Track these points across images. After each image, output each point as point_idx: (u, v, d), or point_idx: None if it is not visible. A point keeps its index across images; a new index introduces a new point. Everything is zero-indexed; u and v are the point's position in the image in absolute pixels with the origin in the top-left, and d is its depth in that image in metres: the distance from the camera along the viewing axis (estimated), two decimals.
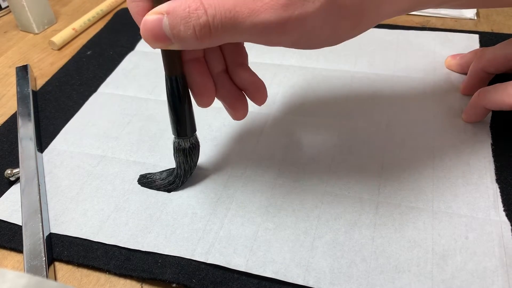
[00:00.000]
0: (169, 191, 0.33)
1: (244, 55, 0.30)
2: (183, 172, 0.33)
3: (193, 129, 0.31)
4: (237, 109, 0.31)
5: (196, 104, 0.30)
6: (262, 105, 0.38)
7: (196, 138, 0.32)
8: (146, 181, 0.34)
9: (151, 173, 0.34)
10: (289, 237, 0.29)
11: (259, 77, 0.30)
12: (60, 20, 0.57)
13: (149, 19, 0.24)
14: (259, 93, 0.31)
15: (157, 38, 0.24)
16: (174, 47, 0.24)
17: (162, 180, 0.33)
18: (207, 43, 0.24)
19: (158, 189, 0.33)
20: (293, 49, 0.46)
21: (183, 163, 0.32)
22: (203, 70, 0.29)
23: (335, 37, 0.26)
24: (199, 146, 0.32)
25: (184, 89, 0.29)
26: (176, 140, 0.31)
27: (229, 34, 0.23)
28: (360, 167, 0.33)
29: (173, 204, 0.32)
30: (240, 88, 0.31)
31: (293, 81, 0.42)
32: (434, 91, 0.39)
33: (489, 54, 0.35)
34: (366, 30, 0.26)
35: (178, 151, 0.32)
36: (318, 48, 0.26)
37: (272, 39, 0.24)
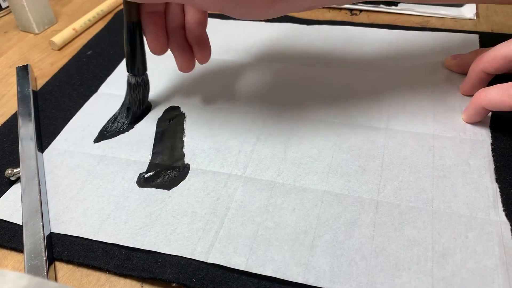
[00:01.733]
0: (121, 129, 0.38)
1: (201, 16, 0.35)
2: (131, 105, 0.38)
3: (144, 69, 0.37)
4: (182, 61, 0.36)
5: (150, 51, 0.36)
6: (262, 105, 0.39)
7: (147, 77, 0.38)
8: (104, 134, 0.38)
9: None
10: (289, 236, 0.29)
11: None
12: (61, 20, 0.57)
13: None
14: (202, 51, 0.36)
15: None
16: None
17: (113, 122, 0.39)
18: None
19: (114, 132, 0.38)
20: (291, 50, 0.46)
21: (133, 97, 0.38)
22: (159, 22, 0.34)
23: (253, 12, 0.31)
24: (149, 84, 0.39)
25: (139, 34, 0.35)
26: (129, 76, 0.37)
27: None
28: (360, 166, 0.33)
29: (172, 202, 0.32)
30: (190, 43, 0.36)
31: (293, 81, 0.42)
32: (434, 91, 0.39)
33: (489, 55, 0.35)
34: (281, 14, 0.31)
35: (130, 85, 0.38)
36: (250, 19, 0.34)
37: (220, 9, 0.30)
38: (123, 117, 0.39)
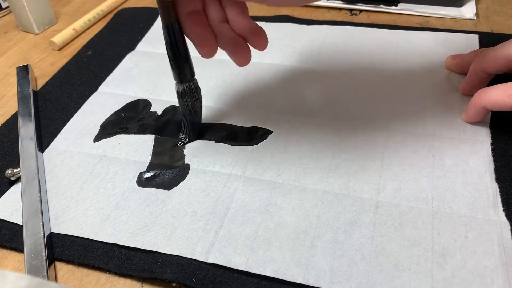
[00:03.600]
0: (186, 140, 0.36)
1: (242, 4, 0.32)
2: (184, 116, 0.36)
3: (192, 73, 0.34)
4: (239, 55, 0.33)
5: (200, 55, 0.32)
6: (262, 105, 0.39)
7: (196, 82, 0.35)
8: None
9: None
10: (289, 236, 0.29)
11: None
12: (61, 20, 0.57)
13: None
14: (259, 38, 0.32)
15: None
16: None
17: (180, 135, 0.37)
18: None
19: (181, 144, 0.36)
20: (292, 49, 0.46)
21: (189, 107, 0.35)
22: (202, 21, 0.31)
23: None
24: (199, 91, 0.35)
25: (180, 36, 0.32)
26: (178, 85, 0.34)
27: None
28: (360, 166, 0.33)
29: (172, 202, 0.32)
30: (240, 36, 0.32)
31: (293, 81, 0.42)
32: (434, 91, 0.39)
33: (489, 55, 0.35)
34: None
35: (178, 94, 0.35)
36: (286, 6, 0.29)
37: None
38: (184, 131, 0.37)
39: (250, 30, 0.32)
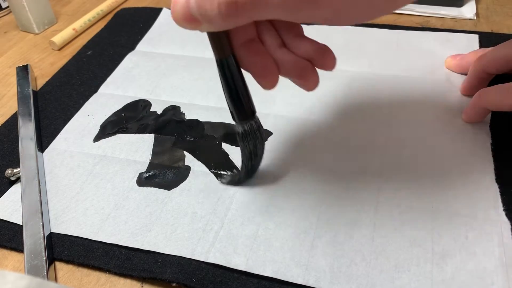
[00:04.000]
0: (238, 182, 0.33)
1: (297, 24, 0.29)
2: (242, 157, 0.32)
3: (253, 110, 0.30)
4: (307, 78, 0.29)
5: (262, 87, 0.29)
6: (262, 105, 0.38)
7: (258, 119, 0.30)
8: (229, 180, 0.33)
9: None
10: (289, 236, 0.29)
11: None
12: (61, 20, 0.57)
13: (178, 1, 0.24)
14: (327, 57, 0.29)
15: (186, 19, 0.24)
16: (205, 28, 0.24)
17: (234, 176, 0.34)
18: (234, 21, 0.23)
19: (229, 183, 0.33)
20: None
21: (250, 150, 0.31)
22: (260, 50, 0.28)
23: (371, 11, 0.24)
24: (261, 131, 0.31)
25: (236, 70, 0.28)
26: (239, 125, 0.30)
27: (257, 11, 0.22)
28: (360, 166, 0.33)
29: (172, 202, 0.32)
30: (304, 58, 0.29)
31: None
32: (434, 91, 0.39)
33: (489, 55, 0.35)
34: (404, 5, 0.24)
35: (238, 135, 0.30)
36: (350, 24, 0.25)
37: (303, 15, 0.23)
38: (238, 171, 0.34)
39: (314, 51, 0.29)
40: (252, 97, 0.30)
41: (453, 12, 0.50)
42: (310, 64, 0.29)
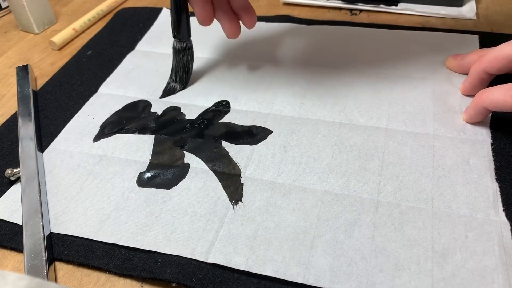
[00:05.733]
0: (169, 92, 0.42)
1: None
2: (177, 69, 0.42)
3: (189, 35, 0.41)
4: (230, 29, 0.39)
5: (198, 22, 0.38)
6: (262, 105, 0.39)
7: (191, 43, 0.41)
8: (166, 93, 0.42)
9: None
10: (289, 236, 0.29)
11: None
12: (60, 20, 0.57)
13: None
14: (248, 16, 0.39)
15: None
16: None
17: (166, 86, 0.43)
18: None
19: (168, 93, 0.42)
20: (292, 49, 0.46)
21: (183, 63, 0.41)
22: None
23: None
24: (192, 51, 0.42)
25: (184, 2, 0.38)
26: (174, 41, 0.41)
27: None
28: (360, 166, 0.33)
29: (172, 202, 0.32)
30: (235, 12, 0.39)
31: (293, 81, 0.42)
32: (434, 91, 0.39)
33: (491, 55, 0.35)
34: None
35: (174, 50, 0.41)
36: None
37: None
38: (173, 81, 0.43)
39: (242, 8, 0.38)
40: (190, 25, 0.40)
41: (453, 12, 0.50)
42: (236, 19, 0.39)
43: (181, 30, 0.40)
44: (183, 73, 0.42)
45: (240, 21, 0.39)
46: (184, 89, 0.42)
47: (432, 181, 0.32)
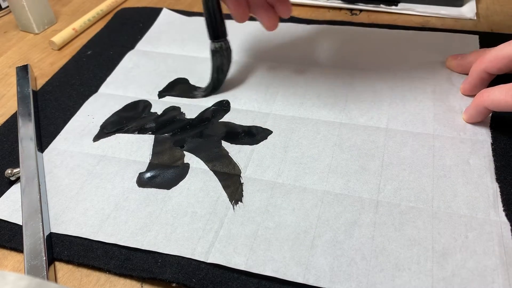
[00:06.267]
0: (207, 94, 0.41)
1: None
2: (217, 75, 0.40)
3: (224, 33, 0.39)
4: (268, 21, 0.38)
5: (234, 19, 0.38)
6: (262, 105, 0.38)
7: (228, 42, 0.39)
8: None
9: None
10: (289, 236, 0.29)
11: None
12: (60, 20, 0.57)
13: None
14: (284, 5, 0.38)
15: None
16: None
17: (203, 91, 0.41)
18: None
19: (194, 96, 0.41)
20: (292, 49, 0.46)
21: (217, 65, 0.40)
22: None
23: None
24: (230, 51, 0.40)
25: (216, 1, 0.37)
26: (212, 43, 0.39)
27: None
28: (360, 166, 0.33)
29: (172, 202, 0.32)
30: (269, 3, 0.38)
31: (293, 81, 0.42)
32: (434, 91, 0.39)
33: (491, 55, 0.35)
34: None
35: (211, 52, 0.39)
36: None
37: None
38: (208, 85, 0.41)
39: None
40: (226, 26, 0.38)
41: (453, 12, 0.50)
42: (272, 9, 0.38)
43: (216, 30, 0.38)
44: (216, 75, 0.40)
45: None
46: (215, 92, 0.41)
47: (432, 181, 0.32)
